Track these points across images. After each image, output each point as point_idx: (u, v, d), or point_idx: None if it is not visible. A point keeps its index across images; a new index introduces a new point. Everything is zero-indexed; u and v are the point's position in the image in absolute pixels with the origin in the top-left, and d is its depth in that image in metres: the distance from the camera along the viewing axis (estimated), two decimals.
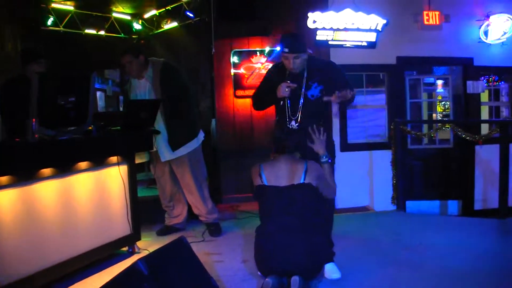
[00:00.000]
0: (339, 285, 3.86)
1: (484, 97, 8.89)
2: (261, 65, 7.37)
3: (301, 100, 4.15)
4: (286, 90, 4.06)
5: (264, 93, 4.36)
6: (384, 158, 7.46)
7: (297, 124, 4.15)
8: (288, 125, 4.19)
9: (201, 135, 5.51)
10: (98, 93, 9.42)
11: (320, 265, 3.80)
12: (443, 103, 9.37)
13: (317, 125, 4.02)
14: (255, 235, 3.82)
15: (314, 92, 4.13)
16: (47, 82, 3.69)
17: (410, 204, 7.58)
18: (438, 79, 8.66)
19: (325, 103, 4.22)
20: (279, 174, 3.76)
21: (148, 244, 4.99)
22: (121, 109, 9.59)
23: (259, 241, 3.77)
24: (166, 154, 5.28)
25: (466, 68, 8.38)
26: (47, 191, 3.76)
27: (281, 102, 4.20)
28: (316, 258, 3.68)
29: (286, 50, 4.09)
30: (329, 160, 3.94)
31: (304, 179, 3.68)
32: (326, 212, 4.18)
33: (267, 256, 3.65)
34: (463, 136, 6.67)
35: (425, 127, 8.59)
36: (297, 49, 4.07)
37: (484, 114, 9.09)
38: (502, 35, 8.22)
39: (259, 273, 3.89)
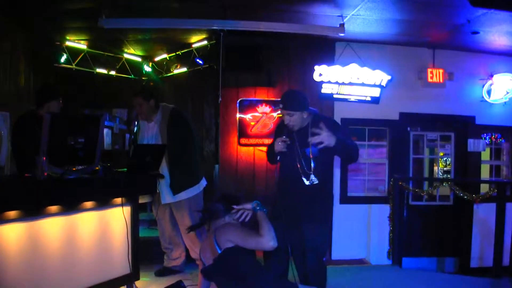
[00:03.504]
0: None
1: (486, 155, 8.90)
2: (266, 115, 7.47)
3: (308, 153, 4.13)
4: (280, 144, 4.12)
5: (271, 148, 4.40)
6: (382, 212, 7.57)
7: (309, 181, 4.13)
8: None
9: (203, 182, 5.60)
10: (106, 130, 9.54)
11: None
12: (444, 159, 9.39)
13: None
14: None
15: (314, 150, 4.07)
16: (59, 122, 3.77)
17: (407, 260, 7.58)
18: (440, 136, 8.67)
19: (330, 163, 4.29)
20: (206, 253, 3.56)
21: (146, 284, 5.08)
22: (127, 147, 9.71)
23: None
24: (167, 197, 5.38)
25: (468, 126, 8.43)
26: (52, 227, 3.83)
27: (278, 157, 4.18)
28: None
29: (281, 106, 4.16)
30: (264, 210, 3.59)
31: (219, 248, 3.41)
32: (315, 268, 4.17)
33: None
34: (461, 195, 6.74)
35: (426, 184, 8.58)
36: (290, 107, 4.10)
37: (485, 172, 9.07)
38: (505, 95, 8.28)
39: None
